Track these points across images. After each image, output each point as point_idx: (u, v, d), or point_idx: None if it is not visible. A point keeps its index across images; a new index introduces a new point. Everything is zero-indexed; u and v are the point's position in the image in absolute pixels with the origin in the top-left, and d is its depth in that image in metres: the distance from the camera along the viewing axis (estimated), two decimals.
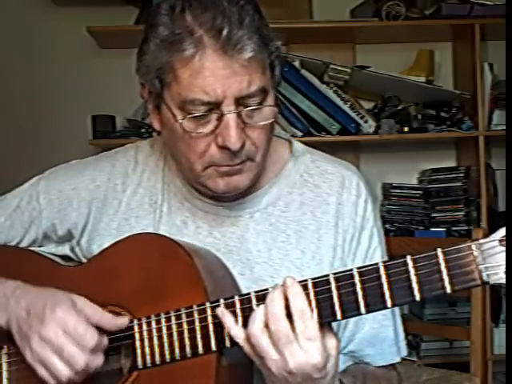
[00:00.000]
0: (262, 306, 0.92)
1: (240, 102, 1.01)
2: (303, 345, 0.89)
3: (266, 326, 0.90)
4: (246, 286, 1.09)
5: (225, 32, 0.97)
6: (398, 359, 1.19)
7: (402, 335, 1.20)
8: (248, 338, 0.92)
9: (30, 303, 1.04)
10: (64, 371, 0.99)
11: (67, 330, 1.00)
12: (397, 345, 1.18)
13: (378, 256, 1.17)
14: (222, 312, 0.95)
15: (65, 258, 1.24)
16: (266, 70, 1.04)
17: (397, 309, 1.19)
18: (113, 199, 1.20)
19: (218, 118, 1.02)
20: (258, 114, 1.04)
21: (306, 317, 0.90)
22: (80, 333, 1.00)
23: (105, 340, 1.03)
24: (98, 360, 1.02)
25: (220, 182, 1.08)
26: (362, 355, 1.16)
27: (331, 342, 0.92)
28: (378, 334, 1.15)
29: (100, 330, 1.03)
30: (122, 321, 1.03)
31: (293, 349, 0.89)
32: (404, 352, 1.20)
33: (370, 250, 1.17)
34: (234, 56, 0.98)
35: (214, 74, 0.99)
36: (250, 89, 1.01)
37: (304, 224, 1.15)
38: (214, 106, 1.01)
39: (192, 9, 0.99)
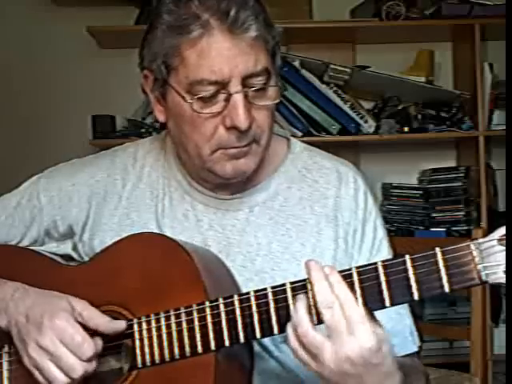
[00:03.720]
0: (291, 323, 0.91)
1: (246, 82, 1.03)
2: (353, 329, 0.88)
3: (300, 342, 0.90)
4: (247, 277, 1.10)
5: (232, 13, 1.00)
6: (415, 348, 1.16)
7: (413, 325, 1.18)
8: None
9: (29, 308, 1.05)
10: (62, 379, 1.01)
11: (64, 340, 1.01)
12: (412, 334, 1.16)
13: (384, 247, 1.18)
14: None
15: (65, 257, 1.24)
16: (270, 52, 1.07)
17: None
18: (113, 194, 1.20)
19: (226, 98, 1.03)
20: (263, 96, 1.06)
21: (351, 302, 0.89)
22: (77, 342, 1.01)
23: (100, 346, 1.03)
24: (93, 366, 1.02)
25: (228, 166, 1.09)
26: None
27: (378, 328, 0.90)
28: (398, 324, 1.13)
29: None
30: (119, 325, 1.03)
31: (341, 340, 0.88)
32: (418, 341, 1.17)
33: (376, 241, 1.17)
34: (240, 35, 1.01)
35: (221, 53, 1.01)
36: (257, 68, 1.03)
37: (304, 218, 1.16)
38: (221, 87, 1.02)
39: None
